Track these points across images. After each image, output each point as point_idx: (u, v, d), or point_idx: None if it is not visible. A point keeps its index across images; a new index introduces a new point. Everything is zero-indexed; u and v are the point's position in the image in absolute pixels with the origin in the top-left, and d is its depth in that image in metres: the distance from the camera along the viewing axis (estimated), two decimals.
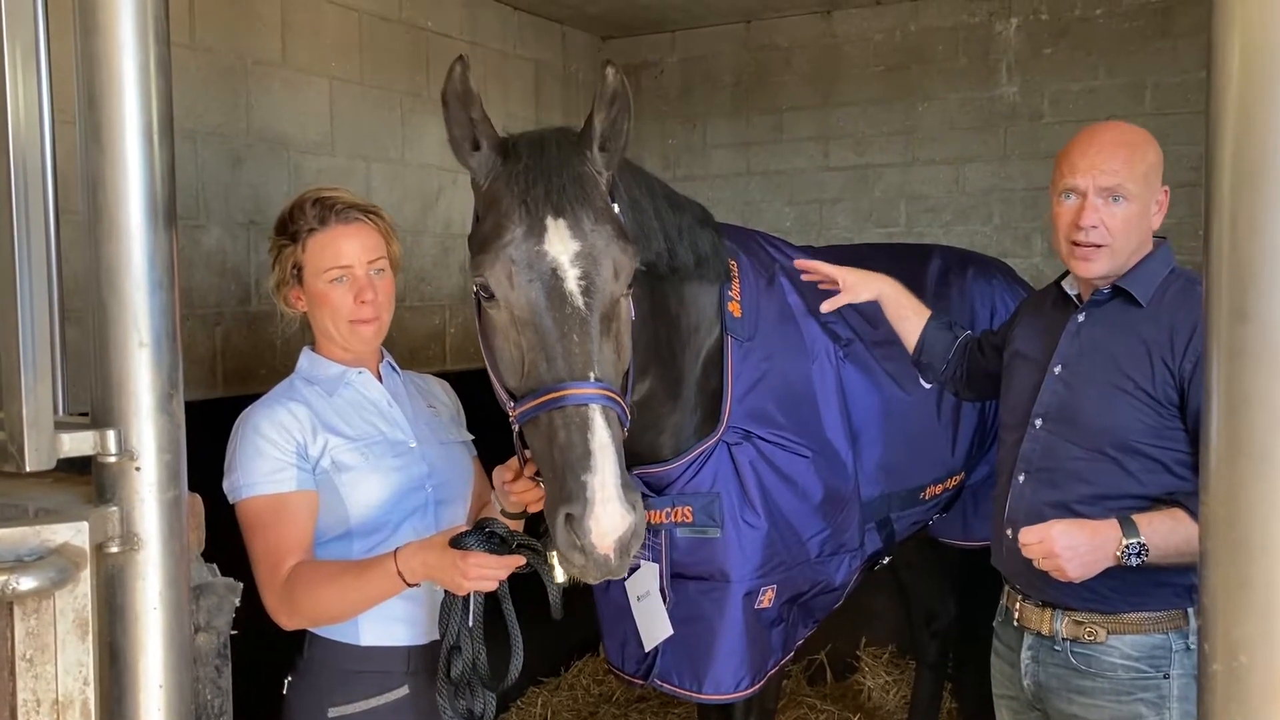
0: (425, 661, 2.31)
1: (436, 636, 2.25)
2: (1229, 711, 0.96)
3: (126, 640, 1.56)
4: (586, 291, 2.13)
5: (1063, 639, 2.38)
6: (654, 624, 2.80)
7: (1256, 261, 0.92)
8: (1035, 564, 2.19)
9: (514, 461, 2.27)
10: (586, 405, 2.03)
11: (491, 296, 2.15)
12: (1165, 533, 2.14)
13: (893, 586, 4.51)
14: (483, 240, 2.19)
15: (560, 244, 2.14)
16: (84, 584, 1.48)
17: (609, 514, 1.96)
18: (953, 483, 3.47)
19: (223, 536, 1.86)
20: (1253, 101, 0.93)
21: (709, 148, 5.40)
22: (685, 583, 2.79)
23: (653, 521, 2.70)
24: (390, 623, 2.30)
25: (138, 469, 1.55)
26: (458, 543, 2.07)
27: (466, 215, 4.62)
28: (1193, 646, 2.30)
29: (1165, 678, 2.29)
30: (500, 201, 2.19)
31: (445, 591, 2.19)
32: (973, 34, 4.87)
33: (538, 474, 2.18)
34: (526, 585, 2.25)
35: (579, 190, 2.21)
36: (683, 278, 2.71)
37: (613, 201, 2.31)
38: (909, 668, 5.05)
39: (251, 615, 1.79)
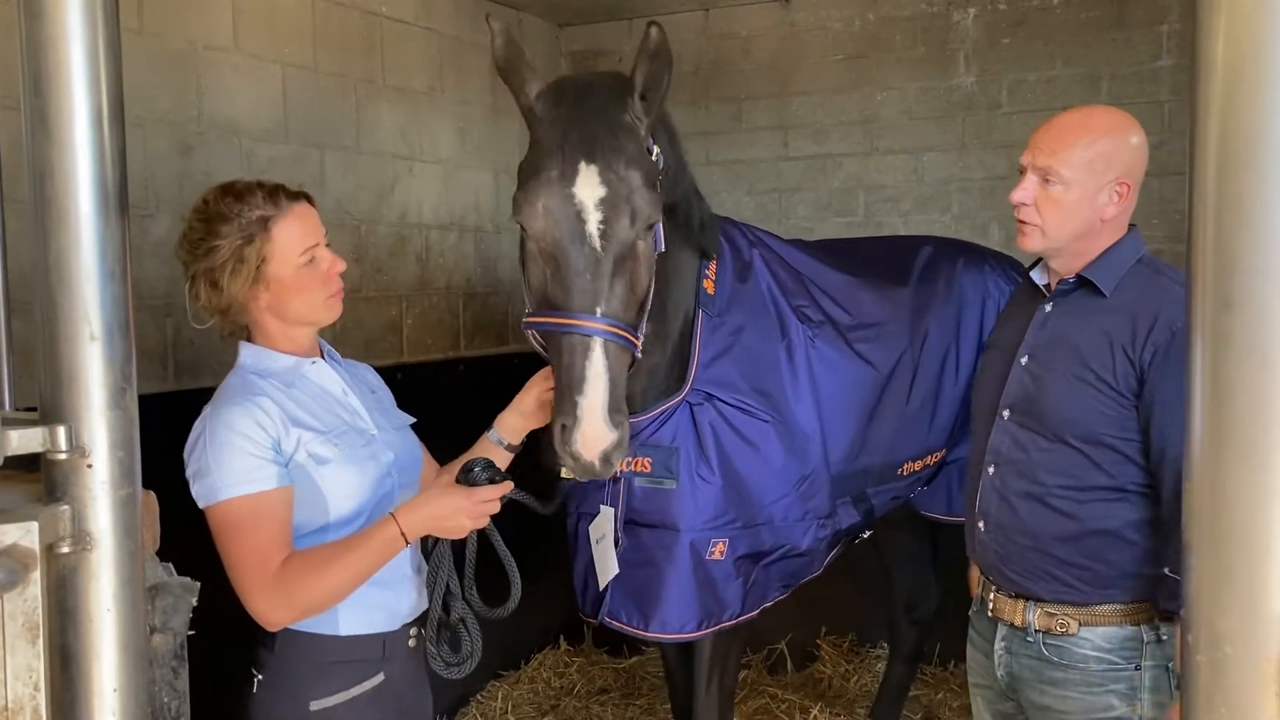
0: (398, 647, 2.34)
1: (408, 618, 2.34)
2: (1213, 703, 0.96)
3: (79, 643, 1.51)
4: (605, 235, 2.41)
5: (1035, 630, 2.39)
6: (606, 564, 2.97)
7: (1242, 250, 0.92)
8: None
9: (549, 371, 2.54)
10: (590, 336, 2.36)
11: (524, 228, 2.45)
12: None
13: (853, 575, 4.52)
14: (523, 178, 2.47)
15: (587, 188, 2.40)
16: (34, 586, 1.43)
17: (593, 430, 2.33)
18: (932, 459, 3.53)
19: (177, 535, 1.82)
20: (1238, 88, 0.92)
21: None
22: (639, 529, 2.96)
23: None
24: (368, 610, 2.28)
25: (89, 466, 1.50)
26: (465, 481, 2.26)
27: (423, 204, 4.59)
28: (1164, 638, 2.32)
29: (1136, 669, 2.31)
30: (541, 143, 2.48)
31: (435, 543, 2.34)
32: (931, 24, 4.88)
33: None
34: (487, 580, 2.41)
35: (613, 138, 2.47)
36: (683, 239, 2.91)
37: (653, 145, 2.57)
38: (869, 656, 5.08)
39: (209, 614, 1.75)
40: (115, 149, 1.54)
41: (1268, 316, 0.91)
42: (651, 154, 2.56)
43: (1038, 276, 2.51)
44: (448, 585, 2.37)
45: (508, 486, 2.30)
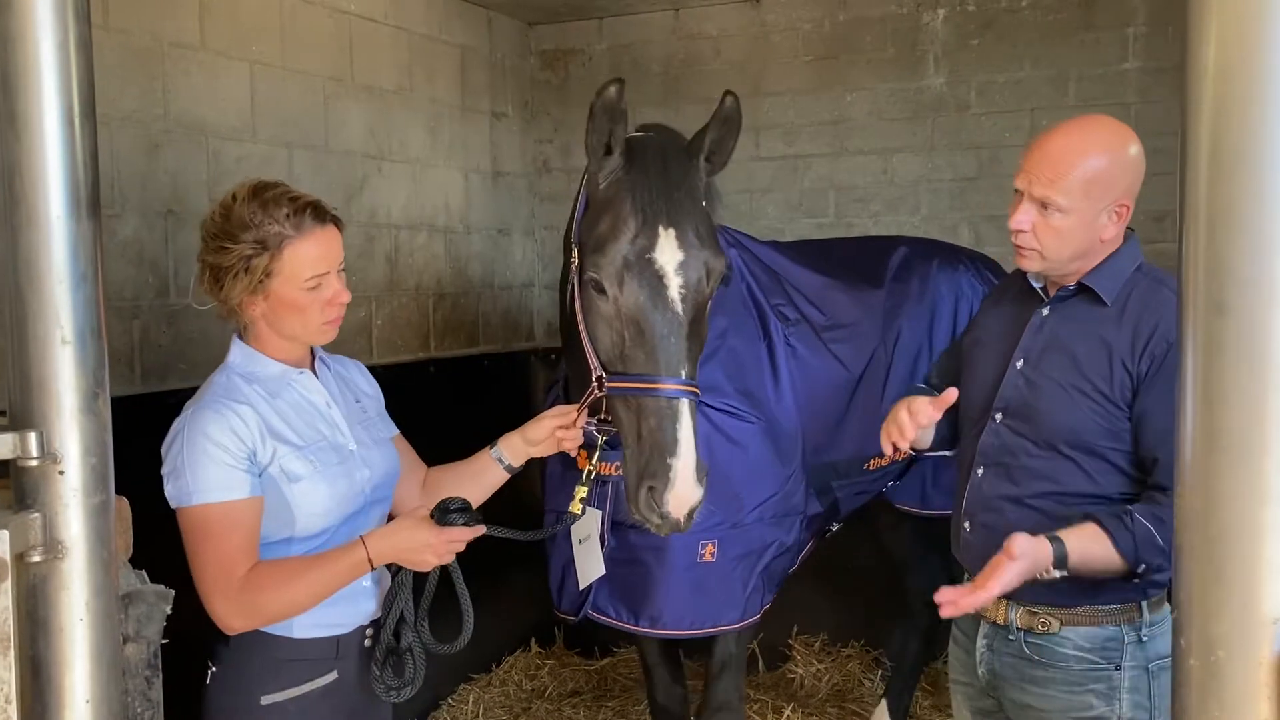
0: (352, 646, 2.37)
1: (363, 622, 2.38)
2: (1206, 706, 0.96)
3: (51, 654, 1.48)
4: (685, 299, 2.50)
5: (1017, 629, 2.39)
6: (590, 565, 3.01)
7: (1235, 255, 0.92)
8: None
9: (573, 409, 2.62)
10: (679, 399, 2.43)
11: (600, 289, 2.52)
12: (1083, 552, 2.16)
13: (824, 576, 4.54)
14: (600, 239, 2.53)
15: (670, 253, 2.50)
16: (4, 596, 1.40)
17: (686, 491, 2.41)
18: (899, 455, 3.53)
19: (150, 541, 1.78)
20: (1229, 92, 0.92)
21: None
22: (627, 530, 3.00)
23: (604, 472, 2.93)
24: (322, 615, 2.30)
25: (61, 473, 1.47)
26: (440, 520, 2.27)
27: (392, 204, 4.55)
28: (1145, 639, 2.33)
29: (1116, 669, 2.32)
30: (619, 205, 2.54)
31: (399, 570, 2.35)
32: (900, 25, 4.89)
33: (592, 422, 2.63)
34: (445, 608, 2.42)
35: (691, 203, 2.57)
36: None
37: (704, 203, 2.67)
38: (841, 656, 5.10)
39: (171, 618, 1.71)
40: (87, 148, 1.51)
41: (1261, 321, 0.91)
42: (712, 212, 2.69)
43: (1034, 279, 2.47)
44: (401, 613, 2.39)
45: (479, 530, 2.31)
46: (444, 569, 2.37)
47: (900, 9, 4.88)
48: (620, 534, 3.03)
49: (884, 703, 4.40)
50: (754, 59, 5.15)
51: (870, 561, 4.67)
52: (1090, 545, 2.16)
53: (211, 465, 2.17)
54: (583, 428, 2.64)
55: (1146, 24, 4.50)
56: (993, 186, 4.78)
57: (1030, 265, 2.37)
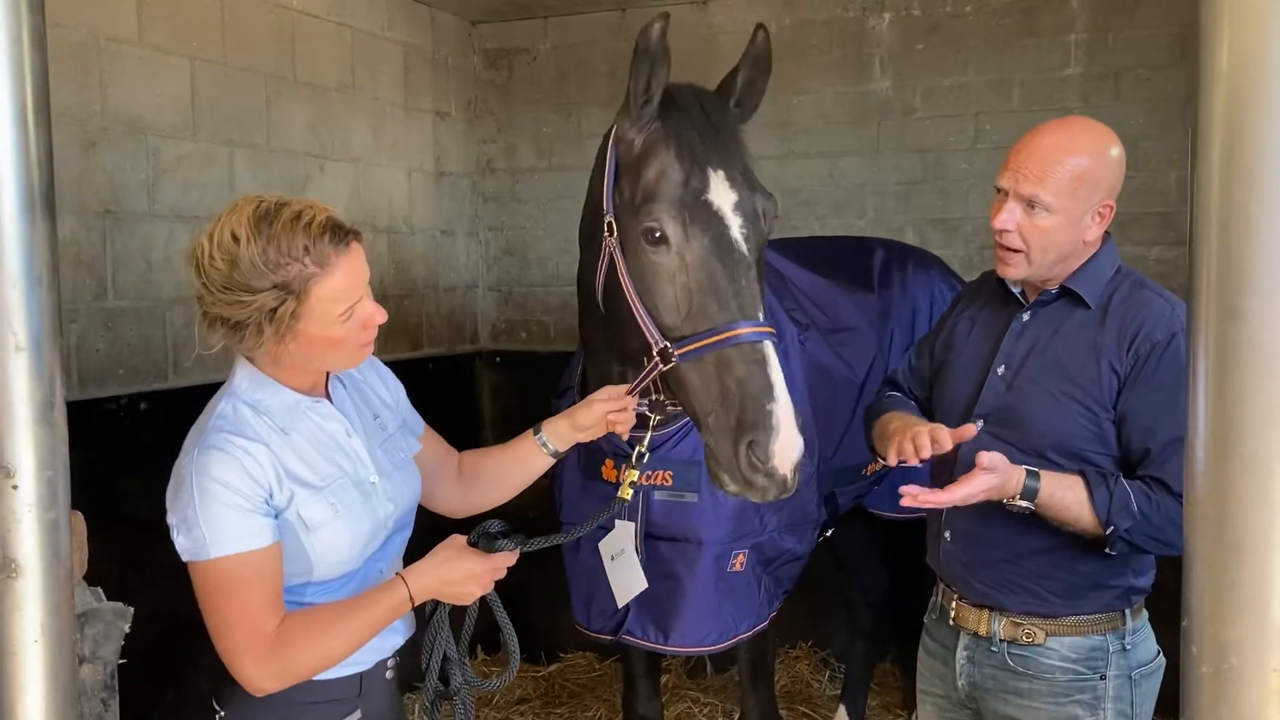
0: (375, 682, 2.18)
1: (385, 656, 2.19)
2: (1218, 714, 0.95)
3: (3, 677, 1.41)
4: (748, 238, 2.37)
5: (1000, 640, 2.37)
6: (628, 580, 2.90)
7: (1251, 262, 0.91)
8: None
9: (623, 389, 2.47)
10: (761, 342, 2.28)
11: (659, 241, 2.36)
12: (1053, 493, 2.17)
13: None
14: (649, 189, 2.39)
15: (725, 193, 2.38)
16: None
17: (790, 440, 2.22)
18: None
19: (111, 554, 1.72)
20: (1244, 96, 0.91)
21: (585, 137, 5.31)
22: (657, 543, 2.91)
23: (638, 482, 2.82)
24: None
25: (15, 487, 1.40)
26: (485, 547, 2.15)
27: (334, 204, 4.42)
28: (1129, 648, 2.33)
29: (1101, 679, 2.31)
30: (664, 153, 2.41)
31: (437, 606, 2.21)
32: (846, 28, 4.91)
33: (644, 403, 2.51)
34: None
35: (735, 144, 2.48)
36: None
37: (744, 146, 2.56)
38: (789, 657, 5.11)
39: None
40: (41, 147, 1.44)
41: (1275, 328, 0.90)
42: None
43: (1013, 283, 2.46)
44: (445, 653, 2.23)
45: (516, 554, 2.17)
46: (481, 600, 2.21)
47: (846, 13, 4.91)
48: (651, 547, 2.91)
49: (842, 708, 4.43)
50: (701, 60, 5.11)
51: (817, 562, 4.68)
52: (1065, 491, 2.17)
53: (227, 513, 1.93)
54: (634, 409, 2.48)
55: (1087, 31, 4.57)
56: (937, 190, 4.83)
57: (1014, 273, 2.33)
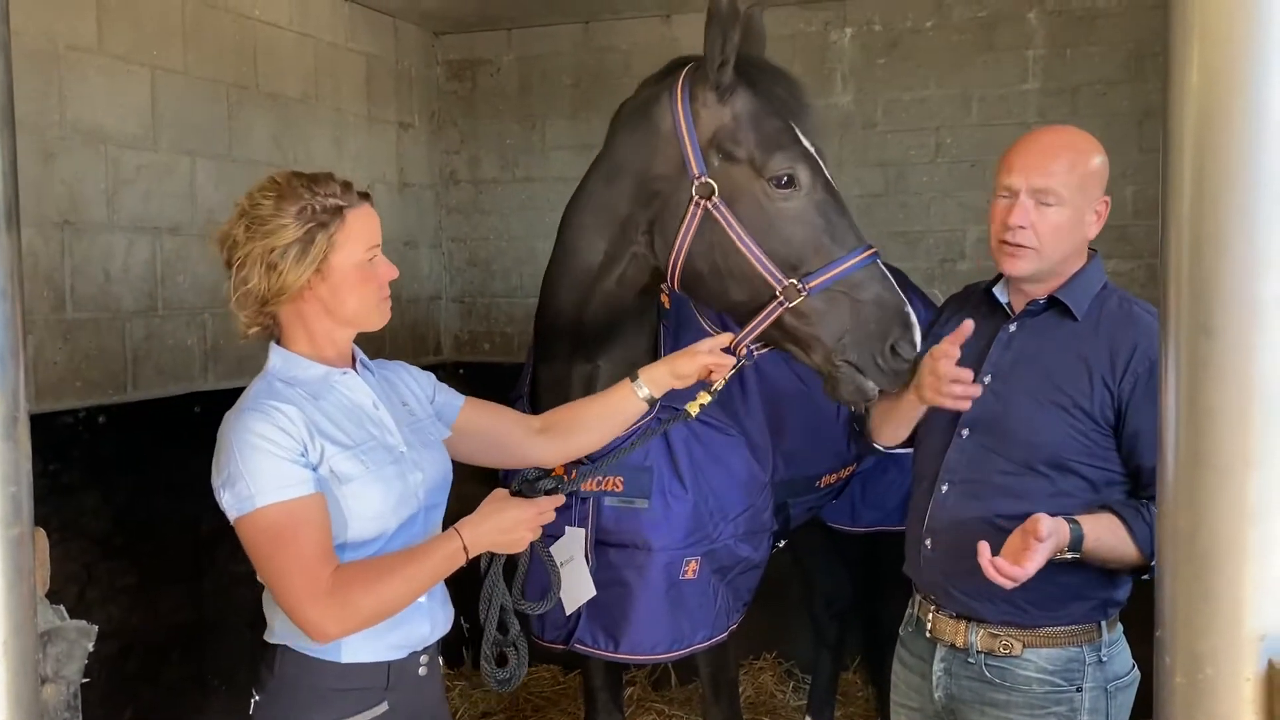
0: (406, 675, 2.22)
1: (416, 648, 2.24)
2: None
3: None
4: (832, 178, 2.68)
5: (977, 651, 2.37)
6: (577, 588, 2.92)
7: (1221, 277, 0.93)
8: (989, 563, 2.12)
9: (726, 337, 2.63)
10: (877, 262, 2.56)
11: (788, 186, 2.57)
12: (1098, 537, 2.16)
13: None
14: (772, 140, 2.59)
15: (816, 143, 2.67)
16: None
17: (919, 333, 2.51)
18: (846, 472, 3.60)
19: (69, 570, 1.68)
20: (1213, 114, 0.93)
21: (549, 149, 5.32)
22: (606, 549, 2.93)
23: (583, 489, 2.88)
24: (373, 638, 2.14)
25: None
26: (525, 494, 2.32)
27: None
28: (1105, 660, 2.34)
29: (1078, 691, 2.31)
30: (775, 111, 2.64)
31: (491, 560, 2.40)
32: (809, 43, 4.95)
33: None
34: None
35: (802, 94, 2.75)
36: None
37: None
38: (753, 668, 5.11)
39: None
40: (5, 156, 1.42)
41: (1247, 343, 0.92)
42: None
43: (1000, 294, 2.48)
44: (502, 604, 2.41)
45: (561, 496, 2.33)
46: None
47: (809, 27, 4.94)
48: (601, 554, 2.95)
49: (807, 719, 4.45)
50: None
51: (781, 573, 4.70)
52: (1104, 533, 2.17)
53: (267, 462, 2.01)
54: (728, 348, 2.64)
55: (1045, 47, 4.64)
56: (899, 204, 4.87)
57: (1025, 268, 2.34)
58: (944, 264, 4.81)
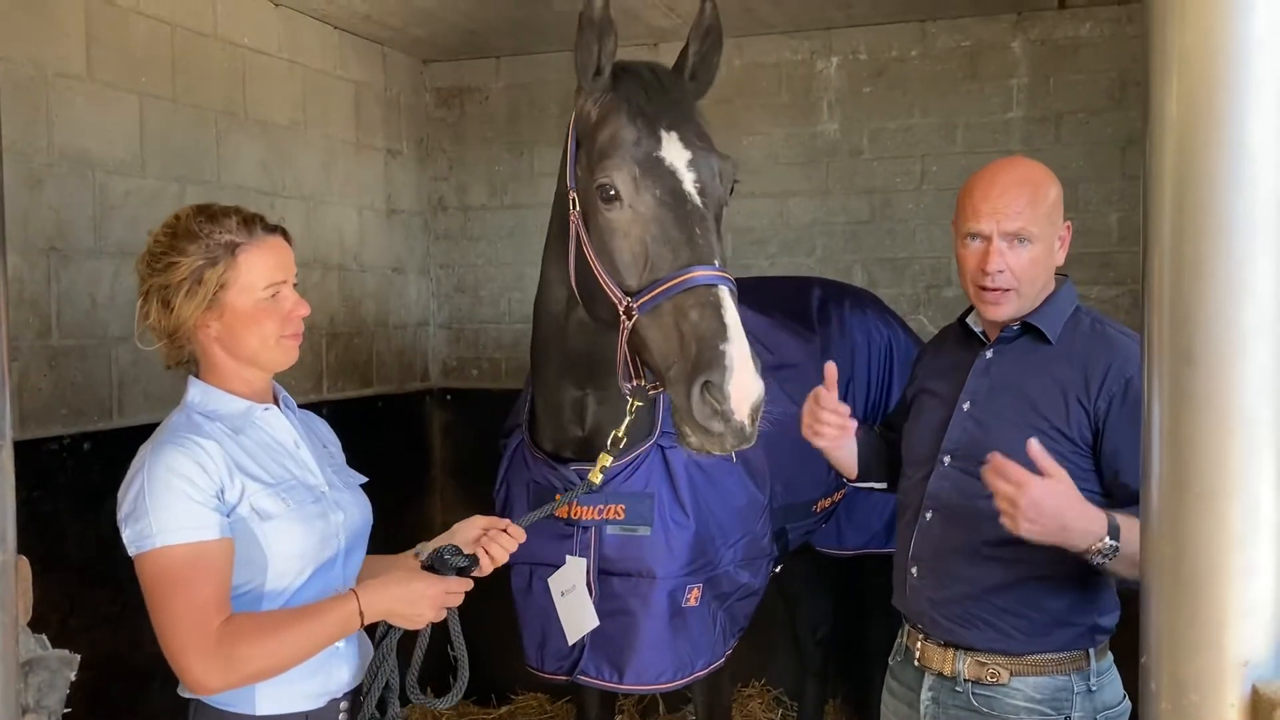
0: None
1: (335, 694, 2.17)
2: None
3: None
4: (702, 192, 2.43)
5: (965, 680, 2.35)
6: (579, 618, 2.87)
7: (1202, 306, 0.94)
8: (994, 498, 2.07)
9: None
10: (716, 285, 2.29)
11: (612, 198, 2.41)
12: (1130, 528, 2.04)
13: None
14: (603, 149, 2.46)
15: (677, 151, 2.44)
16: None
17: (747, 378, 2.20)
18: (838, 496, 3.61)
19: (52, 598, 1.66)
20: (1193, 146, 0.94)
21: (537, 175, 5.33)
22: (610, 578, 2.88)
23: (584, 518, 2.83)
24: (289, 687, 2.09)
25: None
26: (438, 569, 2.16)
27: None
28: (1095, 689, 2.32)
29: (1066, 719, 2.30)
30: (616, 117, 2.49)
31: (386, 631, 2.22)
32: (795, 71, 4.99)
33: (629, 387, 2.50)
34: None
35: (690, 109, 2.56)
36: None
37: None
38: (741, 696, 5.08)
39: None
40: None
41: (1228, 371, 0.93)
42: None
43: (974, 323, 2.49)
44: (388, 681, 2.24)
45: (469, 580, 2.20)
46: (432, 626, 2.21)
47: (795, 56, 4.98)
48: (603, 582, 2.90)
49: None
50: None
51: (768, 599, 4.69)
52: (1132, 530, 2.02)
53: (177, 501, 1.97)
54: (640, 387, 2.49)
55: (1028, 76, 4.69)
56: (885, 230, 4.90)
57: (1006, 311, 2.35)
58: (930, 290, 4.84)
